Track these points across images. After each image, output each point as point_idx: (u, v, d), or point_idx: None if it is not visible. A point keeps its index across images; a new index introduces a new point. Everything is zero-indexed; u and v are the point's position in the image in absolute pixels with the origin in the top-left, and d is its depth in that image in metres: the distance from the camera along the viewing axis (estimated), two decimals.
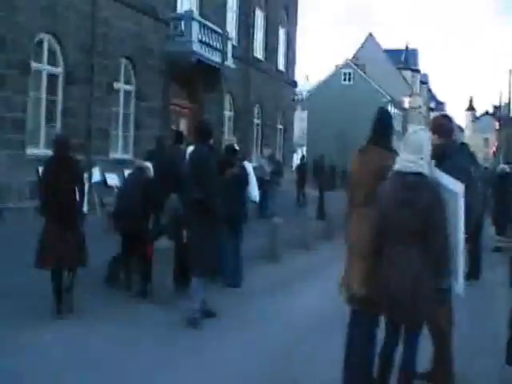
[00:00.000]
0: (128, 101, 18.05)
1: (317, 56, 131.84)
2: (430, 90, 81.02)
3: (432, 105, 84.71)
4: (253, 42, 26.76)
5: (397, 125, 60.50)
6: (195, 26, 19.16)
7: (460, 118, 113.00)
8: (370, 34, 64.85)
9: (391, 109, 57.68)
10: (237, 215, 8.53)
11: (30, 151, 13.98)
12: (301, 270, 10.41)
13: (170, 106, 19.79)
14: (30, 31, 13.72)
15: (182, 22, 19.26)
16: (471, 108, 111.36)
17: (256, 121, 27.99)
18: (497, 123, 62.98)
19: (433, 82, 78.91)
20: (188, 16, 19.23)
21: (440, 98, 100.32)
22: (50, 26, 14.44)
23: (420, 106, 67.93)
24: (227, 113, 24.78)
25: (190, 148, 7.66)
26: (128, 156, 17.70)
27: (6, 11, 13.01)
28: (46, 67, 14.60)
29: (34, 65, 14.09)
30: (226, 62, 21.56)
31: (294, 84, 33.41)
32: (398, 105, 59.98)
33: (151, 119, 18.57)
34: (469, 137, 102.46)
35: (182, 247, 7.26)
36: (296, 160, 31.18)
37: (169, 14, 19.28)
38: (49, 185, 6.54)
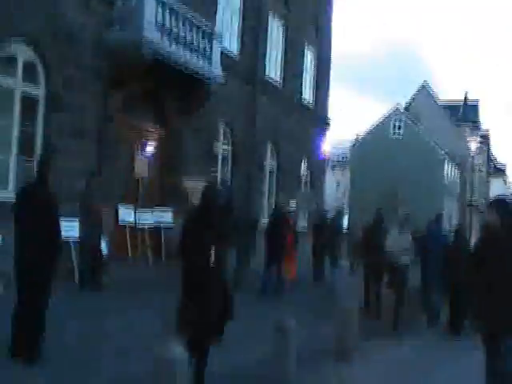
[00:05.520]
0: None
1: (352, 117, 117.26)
2: (489, 150, 72.13)
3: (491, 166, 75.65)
4: (264, 57, 19.71)
5: (455, 186, 52.16)
6: (151, 3, 12.37)
7: None
8: (423, 86, 57.57)
9: (447, 165, 49.96)
10: None
11: None
12: None
13: (111, 125, 12.74)
14: None
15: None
16: None
17: (267, 164, 20.64)
18: None
19: (493, 138, 70.67)
20: None
21: (500, 158, 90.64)
22: None
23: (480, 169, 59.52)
24: (222, 147, 17.75)
25: None
26: None
27: None
28: None
29: None
30: (210, 70, 14.80)
31: (326, 123, 25.65)
32: (456, 162, 52.04)
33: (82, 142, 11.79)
34: None
35: None
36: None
37: None
38: None
